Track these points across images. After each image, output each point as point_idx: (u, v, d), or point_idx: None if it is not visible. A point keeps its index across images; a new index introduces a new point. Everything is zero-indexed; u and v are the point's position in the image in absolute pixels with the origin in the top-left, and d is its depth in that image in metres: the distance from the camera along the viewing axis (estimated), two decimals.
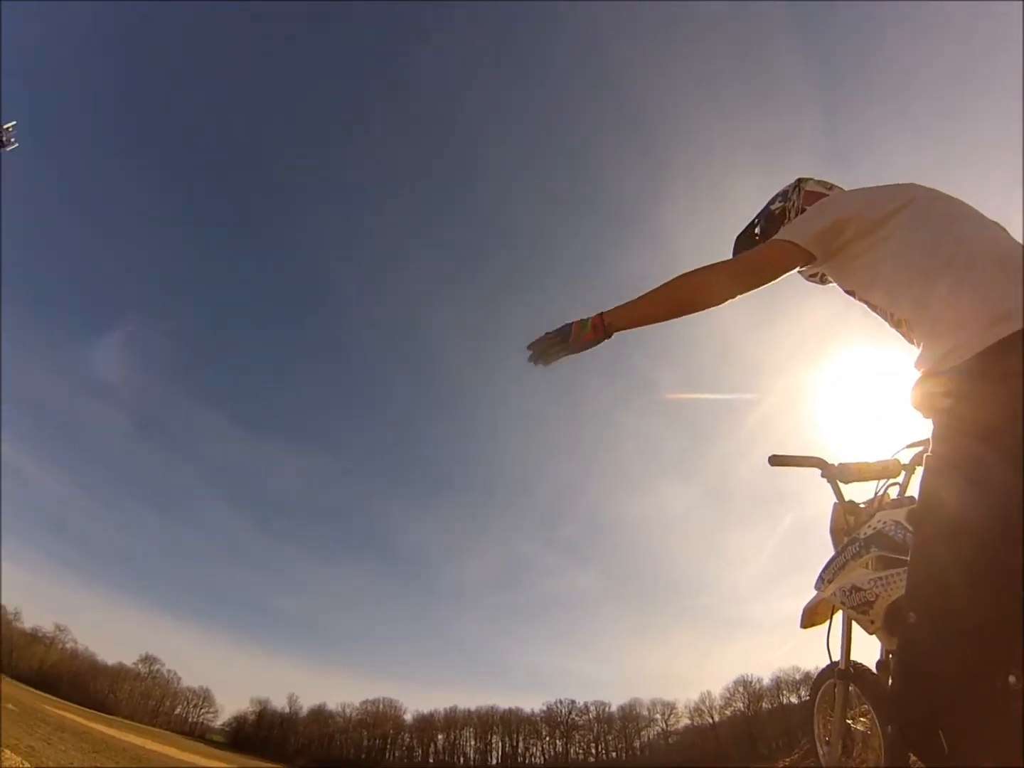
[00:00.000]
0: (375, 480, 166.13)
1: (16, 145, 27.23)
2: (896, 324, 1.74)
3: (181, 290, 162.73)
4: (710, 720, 78.09)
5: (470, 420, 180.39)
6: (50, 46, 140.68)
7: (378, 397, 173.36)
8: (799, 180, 2.28)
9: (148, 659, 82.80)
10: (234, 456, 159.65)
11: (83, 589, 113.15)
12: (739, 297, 1.83)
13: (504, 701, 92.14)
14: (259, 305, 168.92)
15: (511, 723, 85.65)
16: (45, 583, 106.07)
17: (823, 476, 2.38)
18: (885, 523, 1.95)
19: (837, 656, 2.36)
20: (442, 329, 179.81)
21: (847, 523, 2.27)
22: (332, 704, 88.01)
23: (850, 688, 2.31)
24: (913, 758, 2.11)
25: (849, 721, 2.31)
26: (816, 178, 2.26)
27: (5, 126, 26.48)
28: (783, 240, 1.84)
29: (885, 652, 2.10)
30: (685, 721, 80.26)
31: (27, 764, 7.49)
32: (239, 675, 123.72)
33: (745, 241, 2.38)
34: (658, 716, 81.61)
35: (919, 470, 2.16)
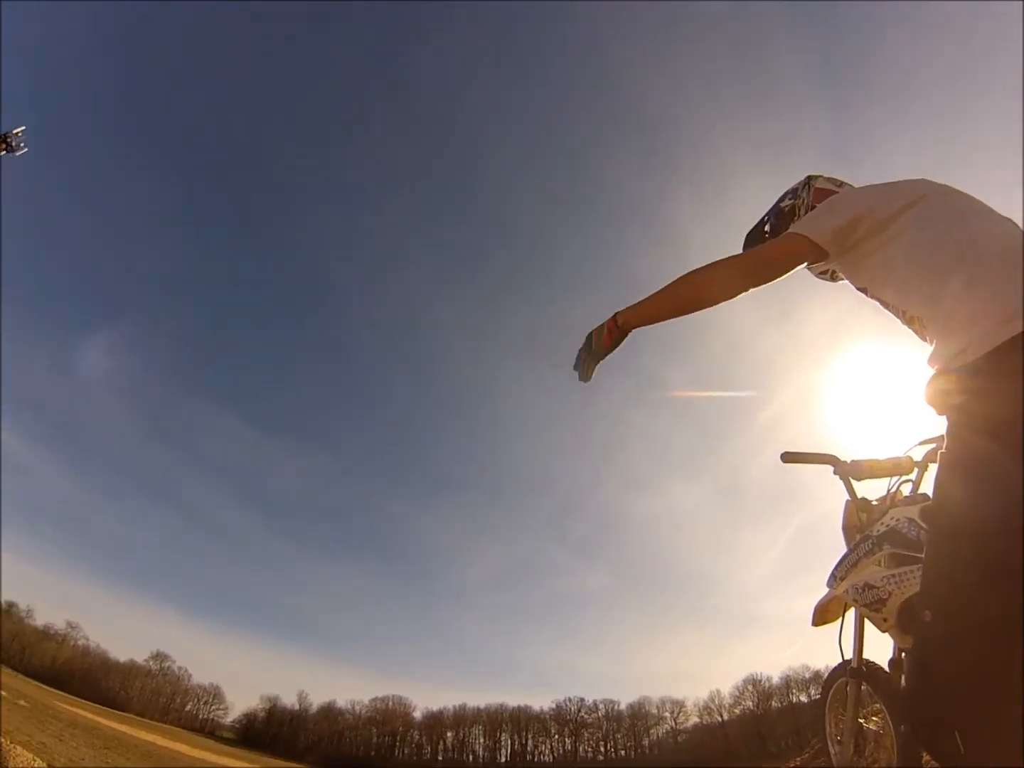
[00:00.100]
0: (385, 479, 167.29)
1: (25, 150, 27.36)
2: (908, 321, 1.73)
3: (184, 289, 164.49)
4: (719, 719, 78.07)
5: (479, 420, 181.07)
6: (50, 46, 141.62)
7: (384, 397, 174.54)
8: (809, 177, 2.27)
9: (159, 656, 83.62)
10: (244, 456, 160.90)
11: (95, 587, 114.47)
12: (752, 291, 1.82)
13: (513, 699, 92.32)
14: (262, 304, 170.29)
15: (520, 721, 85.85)
16: (57, 581, 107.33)
17: (835, 473, 2.36)
18: (898, 520, 1.93)
19: (849, 654, 2.34)
20: (446, 328, 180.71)
21: (859, 520, 2.25)
22: (342, 701, 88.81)
23: (862, 687, 2.29)
24: (926, 757, 2.12)
25: (861, 720, 2.29)
26: (826, 175, 2.24)
27: (14, 131, 26.63)
28: (796, 234, 1.83)
29: (898, 650, 2.08)
30: (694, 719, 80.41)
31: (39, 760, 7.54)
32: (249, 672, 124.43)
33: (755, 238, 2.37)
34: (667, 714, 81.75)
35: (932, 467, 2.15)
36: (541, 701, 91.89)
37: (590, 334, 1.94)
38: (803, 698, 70.96)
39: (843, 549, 2.26)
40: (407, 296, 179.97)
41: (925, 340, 1.64)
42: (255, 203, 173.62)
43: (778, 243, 1.87)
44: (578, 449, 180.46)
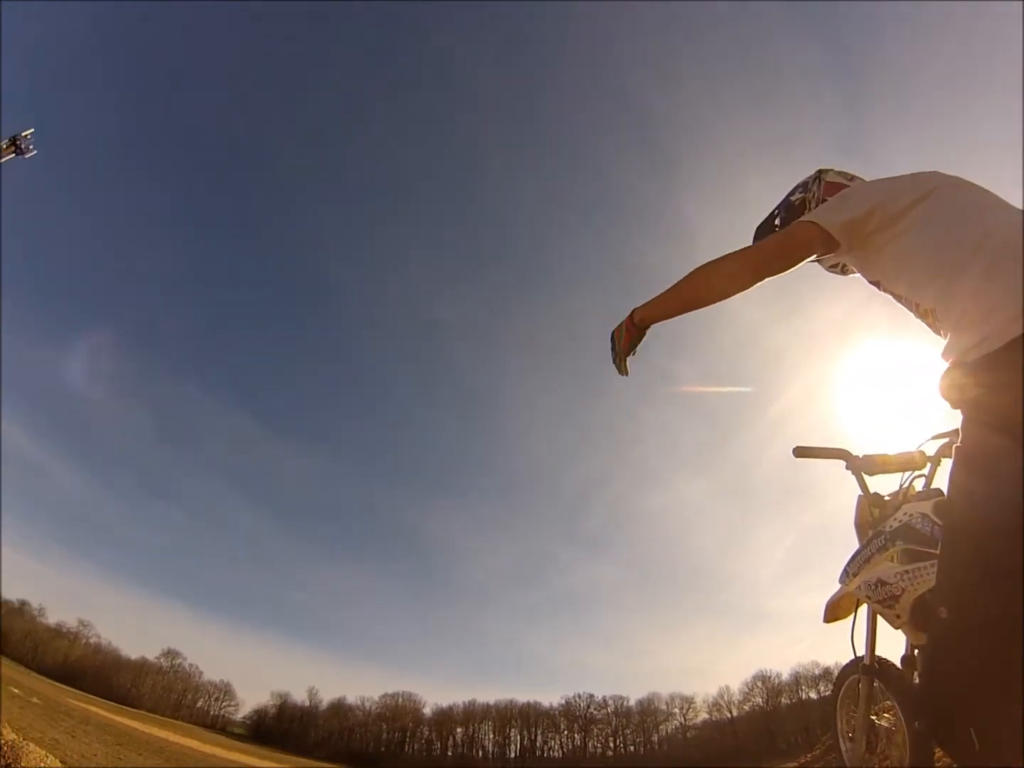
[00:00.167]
0: (392, 477, 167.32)
1: (35, 152, 27.49)
2: (922, 315, 1.71)
3: (187, 289, 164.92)
4: (729, 715, 78.05)
5: (488, 418, 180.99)
6: (49, 46, 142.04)
7: (393, 396, 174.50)
8: (820, 171, 2.25)
9: (170, 653, 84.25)
10: (253, 455, 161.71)
11: (106, 586, 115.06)
12: (766, 281, 1.81)
13: (523, 695, 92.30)
14: (265, 304, 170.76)
15: (530, 717, 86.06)
16: (69, 579, 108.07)
17: (847, 468, 2.34)
18: (911, 516, 1.91)
19: (861, 651, 2.33)
20: (451, 327, 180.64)
21: (872, 516, 2.24)
22: (352, 698, 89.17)
23: (875, 683, 2.27)
24: (938, 754, 2.10)
25: (873, 717, 2.27)
26: (837, 169, 2.23)
27: (23, 133, 26.78)
28: (808, 221, 1.82)
29: (911, 647, 2.07)
30: (703, 715, 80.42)
31: (51, 756, 7.60)
32: (260, 669, 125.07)
33: (765, 232, 2.36)
34: (676, 710, 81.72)
35: (945, 462, 2.14)
36: (550, 697, 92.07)
37: (612, 334, 2.00)
38: (813, 695, 70.88)
39: (855, 545, 2.25)
40: (410, 295, 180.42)
41: (939, 333, 1.62)
42: (257, 203, 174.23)
43: (789, 232, 1.86)
44: (587, 446, 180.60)
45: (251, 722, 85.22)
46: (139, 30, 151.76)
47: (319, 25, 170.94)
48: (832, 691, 2.62)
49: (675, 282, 1.85)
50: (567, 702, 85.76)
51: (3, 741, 6.50)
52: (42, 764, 6.80)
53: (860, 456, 2.32)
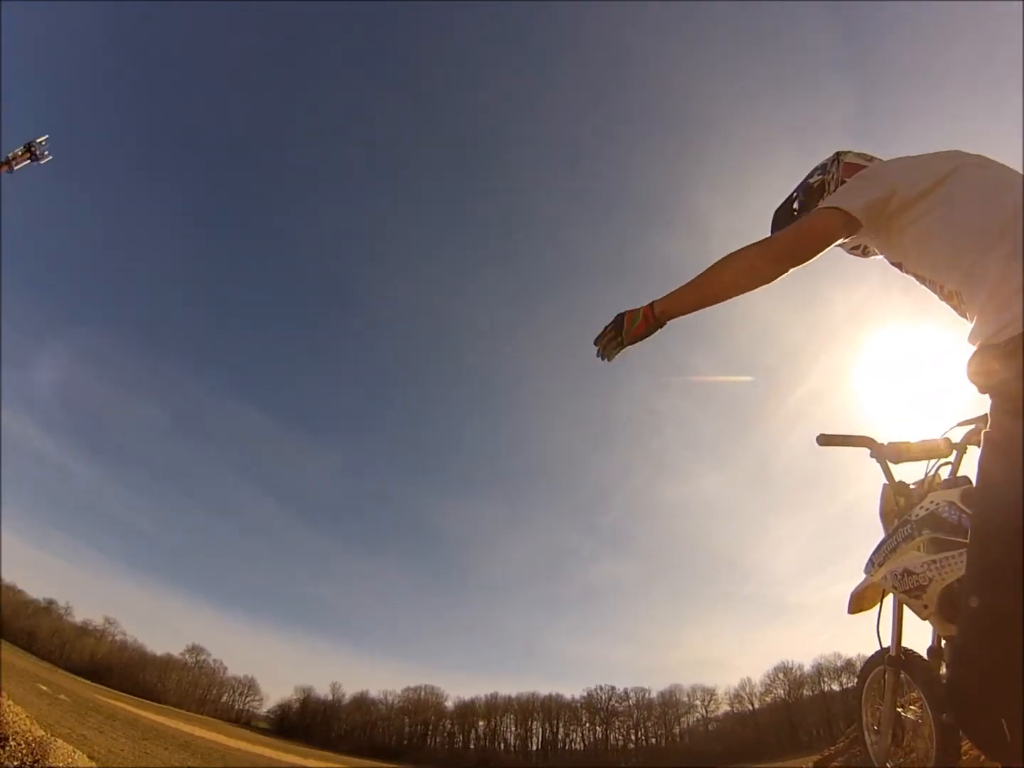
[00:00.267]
0: (414, 473, 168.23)
1: (50, 158, 27.77)
2: (947, 297, 1.67)
3: (209, 288, 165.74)
4: (750, 707, 78.14)
5: (509, 413, 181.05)
6: (52, 46, 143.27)
7: (415, 392, 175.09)
8: (838, 153, 2.22)
9: (195, 649, 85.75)
10: (276, 452, 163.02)
11: (132, 584, 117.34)
12: (791, 271, 1.78)
13: (545, 688, 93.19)
14: (286, 302, 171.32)
15: (551, 709, 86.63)
16: (94, 578, 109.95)
17: (872, 456, 2.30)
18: (938, 504, 1.87)
19: (887, 642, 2.29)
20: (473, 322, 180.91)
21: (897, 505, 2.20)
22: (374, 692, 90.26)
23: (901, 675, 2.24)
24: (965, 747, 2.07)
25: (899, 709, 2.24)
26: (856, 151, 2.19)
27: (38, 140, 27.07)
28: (829, 207, 1.78)
29: (938, 638, 2.04)
30: (725, 707, 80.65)
31: (79, 752, 7.72)
32: (283, 665, 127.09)
33: (784, 215, 2.33)
34: (698, 702, 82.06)
35: (971, 450, 2.09)
36: (572, 690, 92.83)
37: (622, 316, 1.93)
38: (835, 687, 70.79)
39: (880, 534, 2.21)
40: (429, 291, 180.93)
41: (965, 316, 1.58)
42: (277, 201, 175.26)
43: (811, 219, 1.83)
44: (607, 439, 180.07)
45: (275, 716, 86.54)
46: (145, 29, 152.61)
47: (339, 22, 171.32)
48: (857, 683, 2.59)
49: (696, 275, 1.82)
50: (589, 694, 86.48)
51: (32, 738, 6.59)
52: (70, 760, 6.90)
53: (885, 444, 2.28)
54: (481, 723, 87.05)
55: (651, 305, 1.88)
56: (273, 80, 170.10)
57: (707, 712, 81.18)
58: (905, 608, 2.16)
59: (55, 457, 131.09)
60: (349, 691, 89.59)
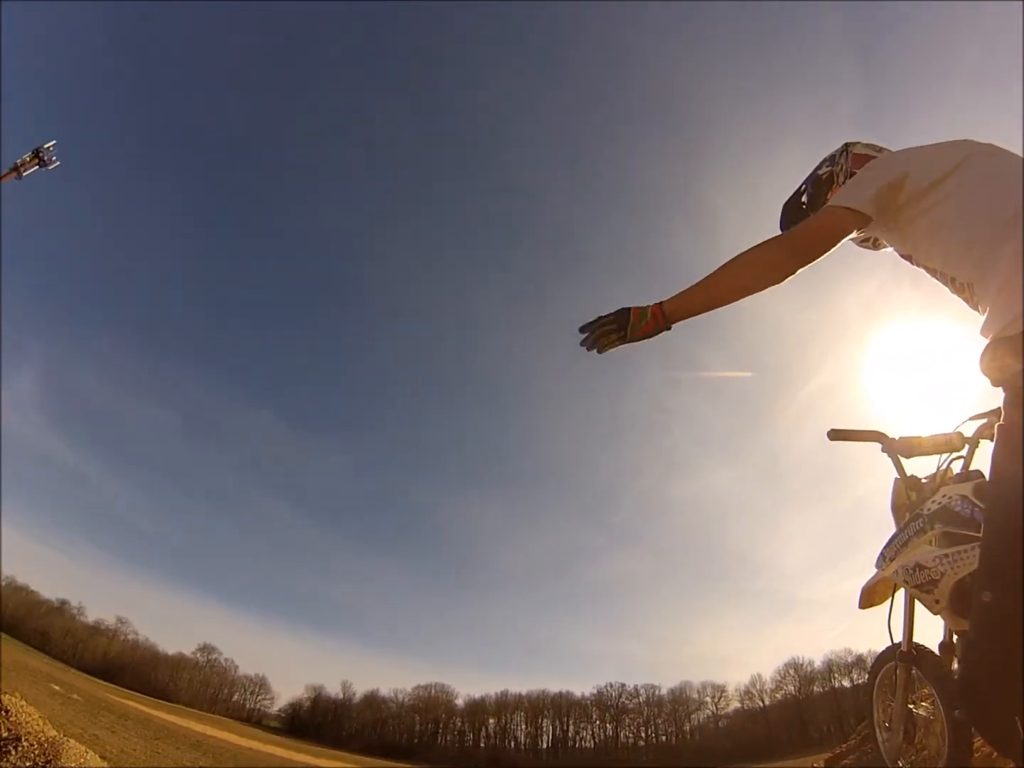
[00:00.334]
0: (423, 470, 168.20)
1: (58, 163, 27.88)
2: (958, 289, 1.66)
3: (217, 290, 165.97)
4: (761, 703, 77.72)
5: (519, 410, 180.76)
6: (51, 45, 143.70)
7: (424, 390, 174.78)
8: (847, 144, 2.21)
9: (206, 648, 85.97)
10: (284, 451, 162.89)
11: (142, 583, 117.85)
12: (800, 271, 1.77)
13: (555, 685, 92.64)
14: (295, 302, 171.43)
15: (562, 707, 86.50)
16: (106, 578, 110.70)
17: (883, 450, 2.29)
18: (950, 498, 1.85)
19: (898, 638, 2.28)
20: (481, 320, 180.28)
21: (909, 499, 2.19)
22: (385, 690, 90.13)
23: (912, 671, 2.23)
24: (977, 743, 2.05)
25: (910, 706, 2.23)
26: (864, 141, 2.18)
27: (46, 145, 27.17)
28: (837, 206, 1.77)
29: (949, 633, 2.03)
30: (735, 704, 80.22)
31: (91, 752, 7.76)
32: (294, 663, 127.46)
33: (792, 208, 2.32)
34: (708, 699, 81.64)
35: (984, 444, 2.07)
36: (582, 687, 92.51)
37: (627, 311, 1.85)
38: (846, 683, 70.48)
39: (891, 529, 2.20)
40: (441, 290, 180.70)
41: (977, 309, 1.57)
42: (284, 202, 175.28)
43: (820, 218, 1.82)
44: (617, 436, 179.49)
45: (286, 715, 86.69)
46: (145, 29, 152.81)
47: (337, 22, 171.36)
48: (868, 679, 2.58)
49: (704, 277, 1.80)
50: (599, 692, 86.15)
51: (44, 738, 6.63)
52: (82, 760, 6.93)
53: (896, 438, 2.26)
54: (491, 721, 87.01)
55: (660, 305, 1.83)
56: (273, 80, 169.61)
57: (717, 709, 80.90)
58: (917, 603, 2.15)
59: (67, 460, 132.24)
60: (360, 690, 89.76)
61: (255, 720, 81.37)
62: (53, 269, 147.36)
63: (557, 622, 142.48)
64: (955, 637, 1.98)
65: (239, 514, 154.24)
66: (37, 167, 27.49)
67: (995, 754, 2.47)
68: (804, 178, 2.31)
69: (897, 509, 2.24)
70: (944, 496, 1.89)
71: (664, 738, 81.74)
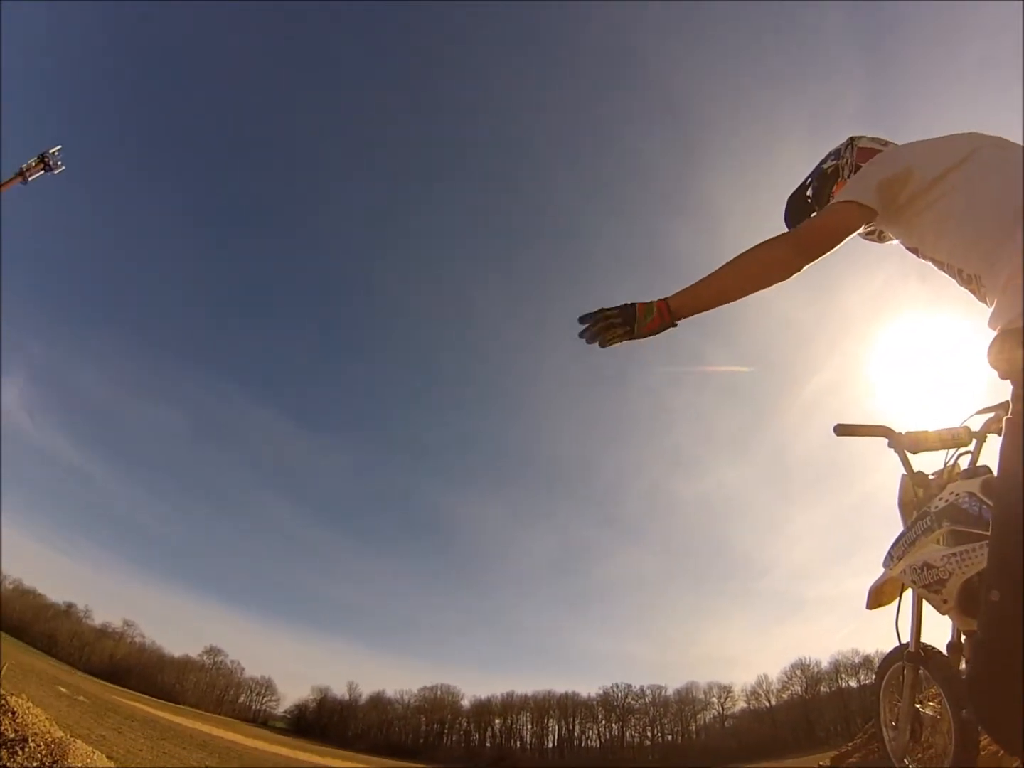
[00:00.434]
0: (430, 470, 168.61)
1: (63, 168, 28.00)
2: (966, 281, 1.64)
3: (222, 290, 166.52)
4: (767, 704, 77.82)
5: (524, 408, 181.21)
6: (54, 46, 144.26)
7: (430, 389, 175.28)
8: (852, 138, 2.21)
9: (212, 651, 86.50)
10: (289, 451, 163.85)
11: (149, 586, 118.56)
12: (806, 268, 1.75)
13: (561, 685, 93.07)
14: (300, 301, 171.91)
15: (568, 707, 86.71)
16: (113, 581, 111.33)
17: (890, 446, 2.26)
18: (958, 495, 1.82)
19: (906, 638, 2.26)
20: (486, 318, 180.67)
21: (916, 496, 2.16)
22: (391, 691, 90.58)
23: (920, 671, 2.20)
24: (984, 742, 2.03)
25: (918, 705, 2.21)
26: (870, 135, 2.16)
27: (51, 150, 27.30)
28: (843, 201, 1.76)
29: (958, 633, 2.01)
30: (742, 704, 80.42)
31: (98, 752, 7.78)
32: (300, 665, 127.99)
33: (797, 202, 2.31)
34: (714, 699, 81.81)
35: (991, 438, 2.04)
36: (588, 687, 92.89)
37: (632, 307, 1.80)
38: (852, 683, 70.49)
39: (899, 526, 2.17)
40: (448, 287, 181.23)
41: (984, 301, 1.55)
42: (293, 200, 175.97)
43: (825, 215, 1.81)
44: (622, 434, 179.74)
45: (292, 716, 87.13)
46: (145, 29, 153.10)
47: (338, 22, 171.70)
48: (875, 679, 2.56)
49: (709, 273, 1.78)
50: (605, 692, 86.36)
51: (51, 739, 6.64)
52: (88, 760, 6.94)
53: (903, 433, 2.24)
54: (497, 721, 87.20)
55: (665, 301, 1.79)
56: (273, 80, 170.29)
57: (723, 709, 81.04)
58: (924, 603, 2.12)
59: (74, 462, 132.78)
60: (366, 690, 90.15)
61: (261, 721, 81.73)
62: (53, 268, 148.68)
63: (563, 622, 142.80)
64: (963, 637, 1.96)
65: (243, 514, 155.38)
66: (43, 172, 27.64)
67: (1001, 753, 2.45)
68: (809, 172, 2.30)
69: (904, 506, 2.21)
70: (952, 493, 1.86)
71: (670, 738, 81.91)
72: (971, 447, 2.09)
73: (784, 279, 1.76)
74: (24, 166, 27.15)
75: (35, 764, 5.85)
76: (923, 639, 2.22)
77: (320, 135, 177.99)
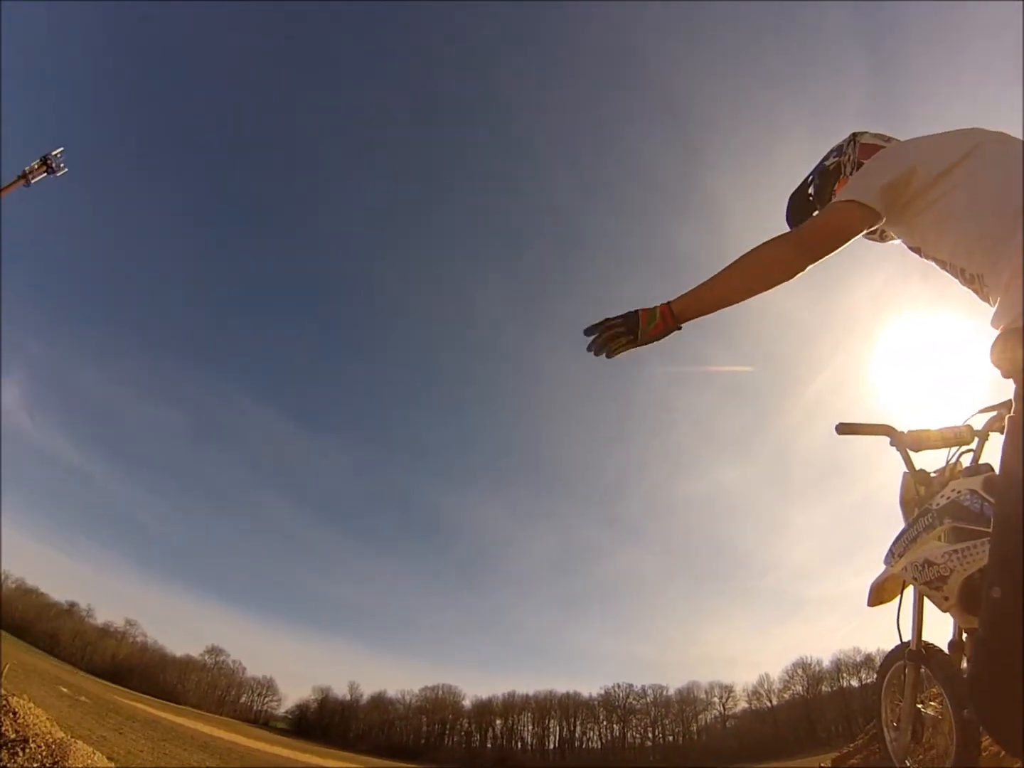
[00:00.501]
0: (430, 470, 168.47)
1: (66, 170, 28.00)
2: (968, 280, 1.63)
3: (222, 290, 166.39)
4: (768, 703, 77.78)
5: (525, 408, 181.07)
6: (51, 46, 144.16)
7: (430, 388, 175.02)
8: (854, 134, 2.19)
9: (214, 651, 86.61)
10: (289, 450, 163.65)
11: (152, 586, 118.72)
12: (809, 268, 1.74)
13: (562, 686, 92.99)
14: (300, 301, 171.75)
15: (569, 707, 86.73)
16: (116, 581, 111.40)
17: (892, 444, 2.26)
18: (960, 492, 1.80)
19: (907, 636, 2.25)
20: (488, 317, 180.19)
21: (918, 493, 2.14)
22: (392, 691, 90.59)
23: (921, 670, 2.19)
24: (986, 743, 2.02)
25: (919, 705, 2.19)
26: (872, 131, 2.15)
27: (53, 152, 27.30)
28: (846, 201, 1.75)
29: (959, 631, 1.99)
30: (743, 704, 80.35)
31: (99, 753, 7.79)
32: (301, 665, 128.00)
33: (799, 200, 2.30)
34: (716, 699, 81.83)
35: (994, 436, 2.04)
36: (590, 687, 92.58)
37: (635, 314, 1.79)
38: (854, 682, 70.44)
39: (900, 524, 2.16)
40: (448, 287, 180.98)
41: (987, 300, 1.54)
42: (293, 200, 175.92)
43: (828, 215, 1.80)
44: (624, 434, 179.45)
45: (293, 716, 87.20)
46: (146, 29, 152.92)
47: (339, 21, 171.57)
48: (876, 678, 2.54)
49: (712, 275, 1.77)
50: (606, 692, 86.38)
51: (52, 740, 6.65)
52: (89, 761, 6.95)
53: (905, 432, 2.23)
54: (498, 722, 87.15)
55: (668, 305, 1.78)
56: (274, 80, 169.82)
57: (725, 709, 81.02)
58: (926, 601, 2.11)
59: (74, 462, 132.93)
60: (367, 691, 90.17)
61: (262, 722, 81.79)
62: (53, 268, 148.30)
63: (564, 622, 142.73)
64: (965, 635, 1.95)
65: (243, 514, 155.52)
66: (45, 174, 27.64)
67: (1003, 753, 2.44)
68: (812, 169, 2.28)
69: (906, 504, 2.20)
70: (953, 490, 1.84)
71: (671, 738, 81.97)
72: (973, 445, 2.08)
73: (787, 280, 1.74)
74: (27, 168, 27.14)
75: (36, 765, 5.85)
76: (925, 637, 2.21)
77: (320, 135, 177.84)
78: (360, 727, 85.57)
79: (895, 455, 2.25)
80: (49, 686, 25.06)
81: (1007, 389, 1.38)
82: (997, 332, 1.38)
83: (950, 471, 2.08)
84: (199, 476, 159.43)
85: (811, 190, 2.25)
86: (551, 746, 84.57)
